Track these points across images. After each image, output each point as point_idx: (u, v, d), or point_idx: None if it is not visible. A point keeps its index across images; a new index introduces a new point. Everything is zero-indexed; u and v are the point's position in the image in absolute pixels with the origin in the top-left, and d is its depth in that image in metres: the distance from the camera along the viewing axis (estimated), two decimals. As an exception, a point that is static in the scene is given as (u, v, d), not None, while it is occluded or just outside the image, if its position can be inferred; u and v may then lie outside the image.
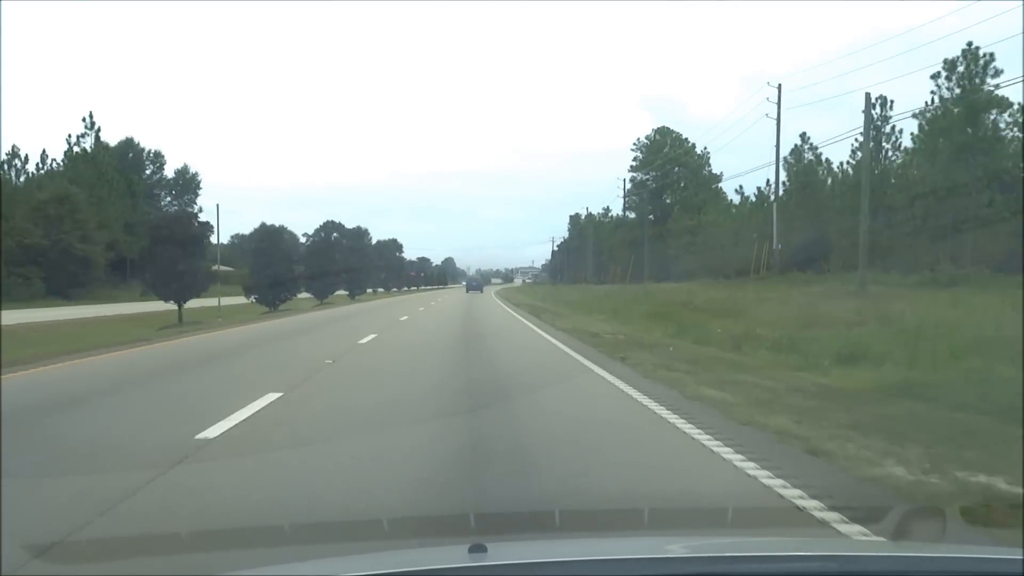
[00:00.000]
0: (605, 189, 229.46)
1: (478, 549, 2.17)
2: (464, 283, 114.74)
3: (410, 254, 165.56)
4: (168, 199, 74.54)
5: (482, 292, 79.07)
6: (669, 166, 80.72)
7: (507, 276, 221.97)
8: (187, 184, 75.91)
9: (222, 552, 4.08)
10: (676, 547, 2.65)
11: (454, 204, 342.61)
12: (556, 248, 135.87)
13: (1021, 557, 1.99)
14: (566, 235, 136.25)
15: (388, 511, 4.51)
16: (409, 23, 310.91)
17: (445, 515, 4.53)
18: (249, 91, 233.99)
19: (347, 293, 60.89)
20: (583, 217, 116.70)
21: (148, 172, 73.19)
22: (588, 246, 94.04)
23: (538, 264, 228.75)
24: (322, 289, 50.11)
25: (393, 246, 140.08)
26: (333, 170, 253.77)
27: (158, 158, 73.81)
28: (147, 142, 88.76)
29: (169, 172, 74.90)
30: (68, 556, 4.04)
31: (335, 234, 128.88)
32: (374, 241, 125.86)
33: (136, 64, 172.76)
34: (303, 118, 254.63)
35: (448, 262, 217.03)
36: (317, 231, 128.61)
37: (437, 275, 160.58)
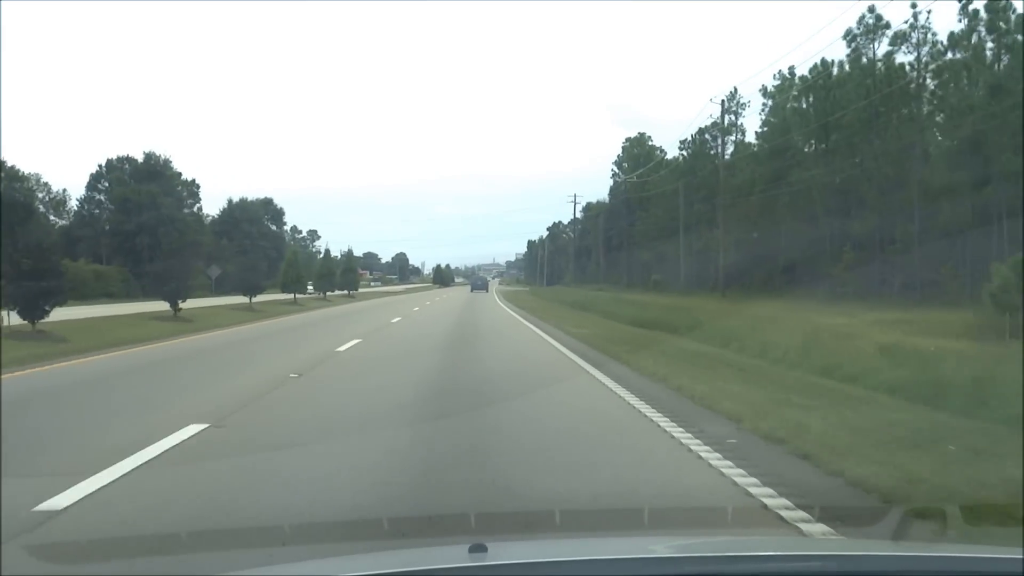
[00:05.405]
0: (567, 188, 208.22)
1: (478, 549, 2.17)
2: (469, 282, 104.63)
3: (359, 249, 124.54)
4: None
5: (487, 291, 77.64)
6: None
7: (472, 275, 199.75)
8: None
9: (221, 552, 4.08)
10: (676, 547, 2.65)
11: (407, 199, 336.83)
12: (555, 229, 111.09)
13: (1021, 557, 1.99)
14: (557, 225, 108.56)
15: (388, 511, 4.51)
16: (358, 22, 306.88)
17: (445, 515, 4.53)
18: (209, 93, 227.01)
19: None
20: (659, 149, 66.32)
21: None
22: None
23: (501, 261, 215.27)
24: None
25: (262, 209, 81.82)
26: (289, 174, 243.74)
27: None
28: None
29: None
30: (68, 556, 4.04)
31: (130, 181, 63.55)
32: (231, 201, 74.61)
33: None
34: (263, 122, 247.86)
35: (400, 257, 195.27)
36: (94, 177, 64.50)
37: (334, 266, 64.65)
